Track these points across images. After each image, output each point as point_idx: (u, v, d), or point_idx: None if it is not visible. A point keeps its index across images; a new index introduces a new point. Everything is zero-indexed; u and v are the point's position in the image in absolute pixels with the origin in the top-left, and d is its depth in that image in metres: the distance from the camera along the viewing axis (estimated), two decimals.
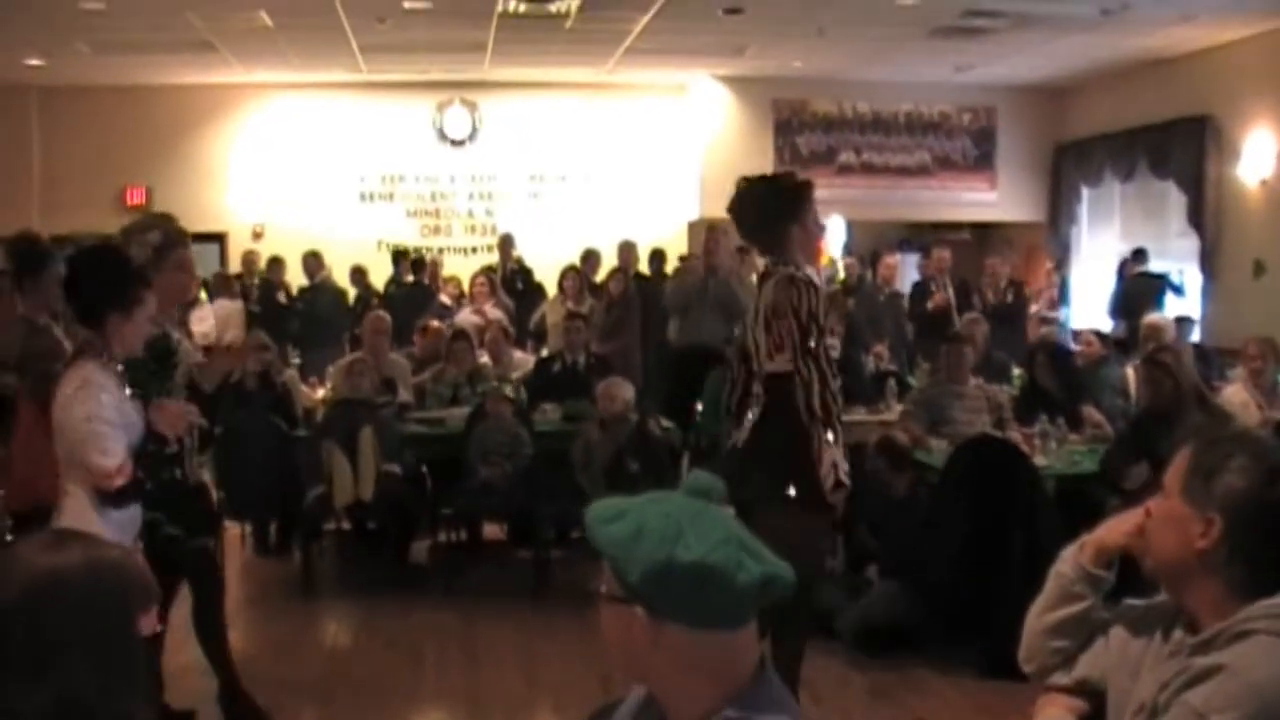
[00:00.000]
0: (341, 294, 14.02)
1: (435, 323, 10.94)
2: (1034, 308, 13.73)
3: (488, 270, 13.65)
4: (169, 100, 15.94)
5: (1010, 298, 13.17)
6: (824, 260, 15.85)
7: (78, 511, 4.45)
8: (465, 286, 13.60)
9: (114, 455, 4.49)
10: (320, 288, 13.83)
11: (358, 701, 6.26)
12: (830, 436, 5.13)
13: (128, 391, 4.71)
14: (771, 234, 5.40)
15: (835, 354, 5.33)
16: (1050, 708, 2.64)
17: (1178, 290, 13.81)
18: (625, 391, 8.38)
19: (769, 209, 5.39)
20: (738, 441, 5.41)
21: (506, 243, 14.34)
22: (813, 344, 5.16)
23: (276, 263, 14.23)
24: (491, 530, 9.43)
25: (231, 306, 12.84)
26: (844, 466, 5.15)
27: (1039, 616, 2.67)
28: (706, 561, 1.92)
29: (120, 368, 4.71)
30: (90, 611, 1.96)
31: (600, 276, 12.96)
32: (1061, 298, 14.64)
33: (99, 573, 2.00)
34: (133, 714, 2.00)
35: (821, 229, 5.77)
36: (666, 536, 1.94)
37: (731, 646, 2.00)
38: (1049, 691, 2.67)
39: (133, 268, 4.93)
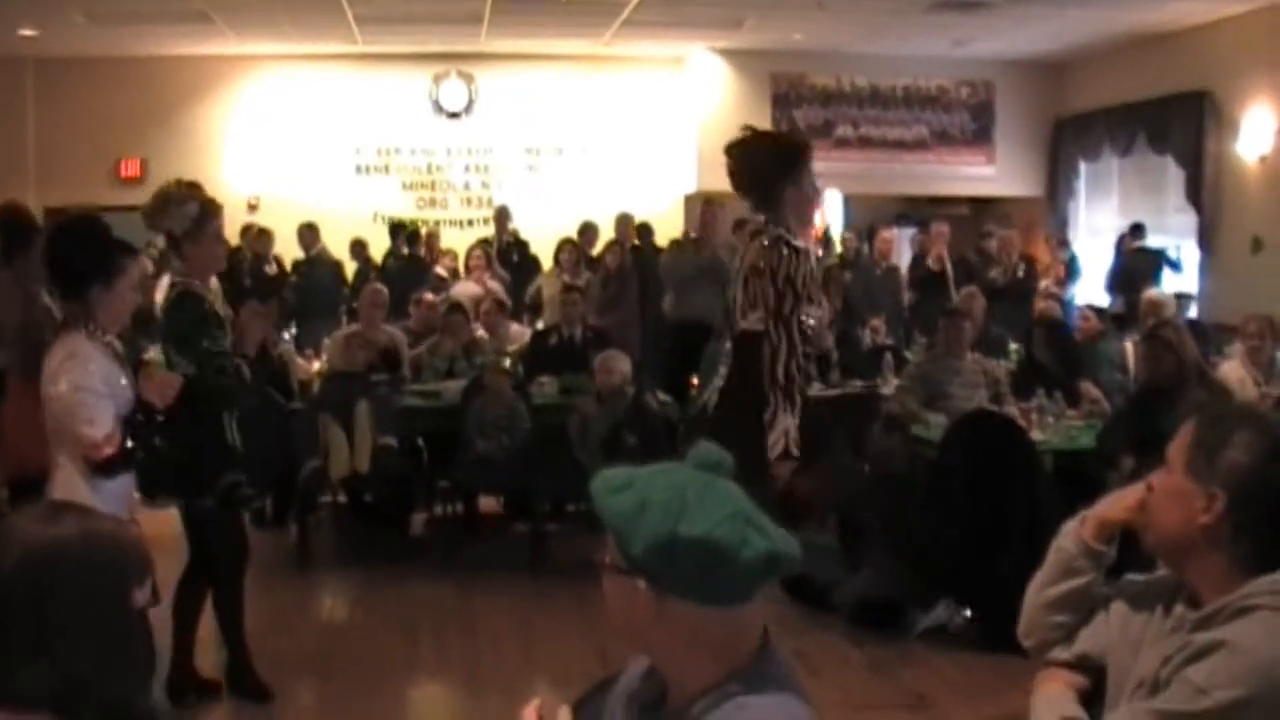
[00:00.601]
0: (337, 267, 13.97)
1: (430, 295, 10.91)
2: (1043, 283, 13.70)
3: (484, 243, 13.62)
4: (164, 72, 15.84)
5: (1021, 273, 13.16)
6: (820, 232, 15.89)
7: (68, 483, 4.46)
8: (461, 259, 13.56)
9: (101, 425, 4.50)
10: (316, 260, 13.79)
11: (354, 675, 6.26)
12: (787, 405, 5.10)
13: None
14: (766, 192, 5.36)
15: (811, 323, 5.24)
16: (1050, 682, 2.64)
17: (1175, 266, 13.79)
18: (622, 365, 8.37)
19: (766, 166, 5.35)
20: (707, 404, 5.39)
21: (502, 215, 14.31)
22: (787, 309, 5.13)
23: (264, 235, 14.18)
24: (488, 504, 9.42)
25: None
26: (795, 438, 5.10)
27: (1039, 591, 2.66)
28: (711, 537, 1.91)
29: (108, 338, 4.73)
30: (86, 585, 1.95)
31: (597, 249, 12.94)
32: (1069, 274, 14.61)
33: (95, 545, 1.98)
34: (127, 687, 1.99)
35: (818, 193, 5.72)
36: (671, 510, 1.93)
37: (735, 622, 1.99)
38: (1048, 666, 2.66)
39: (114, 238, 4.94)
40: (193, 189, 5.55)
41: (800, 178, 5.36)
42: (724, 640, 1.98)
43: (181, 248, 5.50)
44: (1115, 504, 2.59)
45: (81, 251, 4.81)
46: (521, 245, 14.08)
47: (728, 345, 5.37)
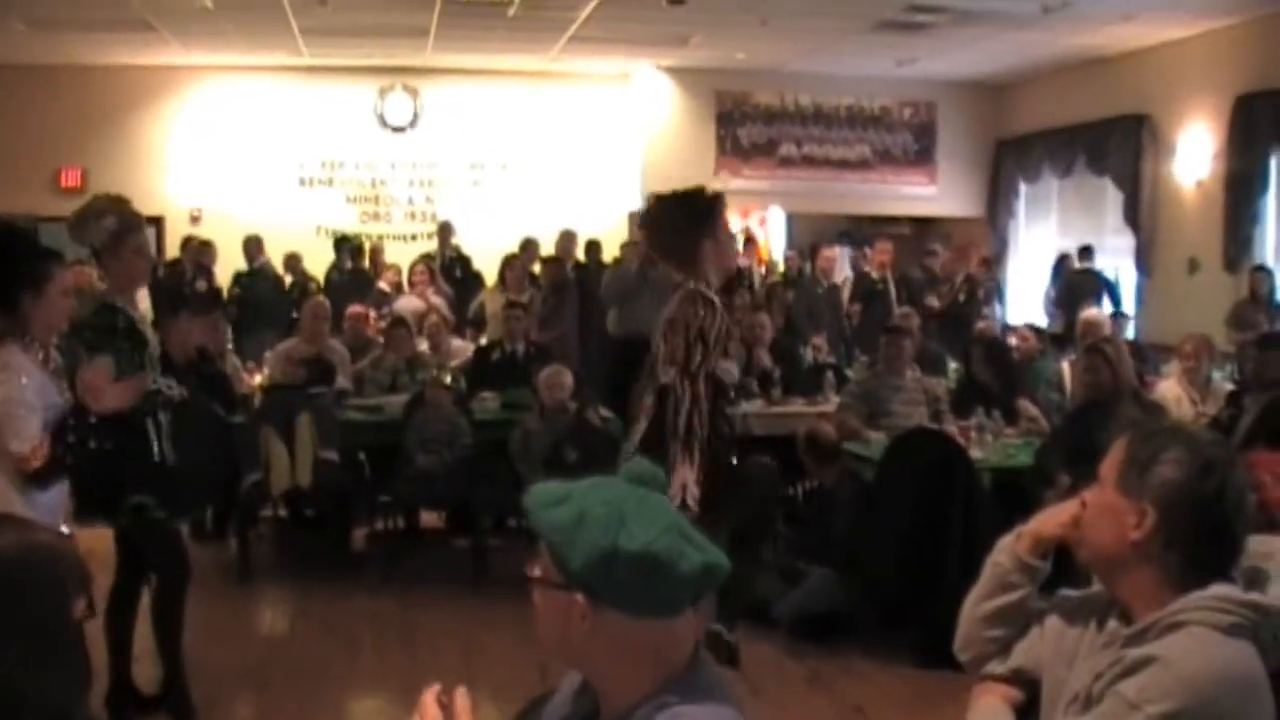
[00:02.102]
0: (281, 280, 13.92)
1: (357, 308, 10.86)
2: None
3: (426, 258, 13.59)
4: (106, 80, 15.73)
5: (963, 297, 13.24)
6: (763, 253, 15.99)
7: (1, 497, 4.41)
8: (405, 274, 13.52)
9: (28, 438, 4.48)
10: (260, 273, 13.73)
11: (294, 688, 6.22)
12: (686, 457, 5.16)
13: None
14: (685, 252, 5.44)
15: (730, 378, 5.46)
16: (985, 696, 2.66)
17: (1111, 288, 13.92)
18: (566, 380, 8.37)
19: (681, 225, 5.44)
20: (629, 454, 5.39)
21: (445, 230, 14.30)
22: (695, 364, 5.21)
23: (206, 246, 14.09)
24: (429, 518, 9.40)
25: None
26: (694, 492, 5.14)
27: (975, 605, 2.68)
28: (650, 550, 1.92)
29: (42, 350, 4.68)
30: (22, 598, 1.94)
31: (538, 265, 12.94)
32: (997, 295, 14.78)
33: (31, 558, 1.98)
34: (65, 699, 1.98)
35: (732, 239, 5.83)
36: (611, 524, 1.94)
37: (670, 633, 2.00)
38: (984, 680, 2.68)
39: (39, 246, 4.91)
40: (116, 203, 5.50)
41: (716, 230, 5.49)
42: (659, 651, 1.99)
43: (102, 261, 5.46)
44: (1050, 519, 2.61)
45: (8, 261, 4.76)
46: (464, 260, 14.06)
47: (649, 398, 5.41)
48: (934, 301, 13.19)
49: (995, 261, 16.24)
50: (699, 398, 5.19)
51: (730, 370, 5.44)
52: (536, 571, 2.02)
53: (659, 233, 5.55)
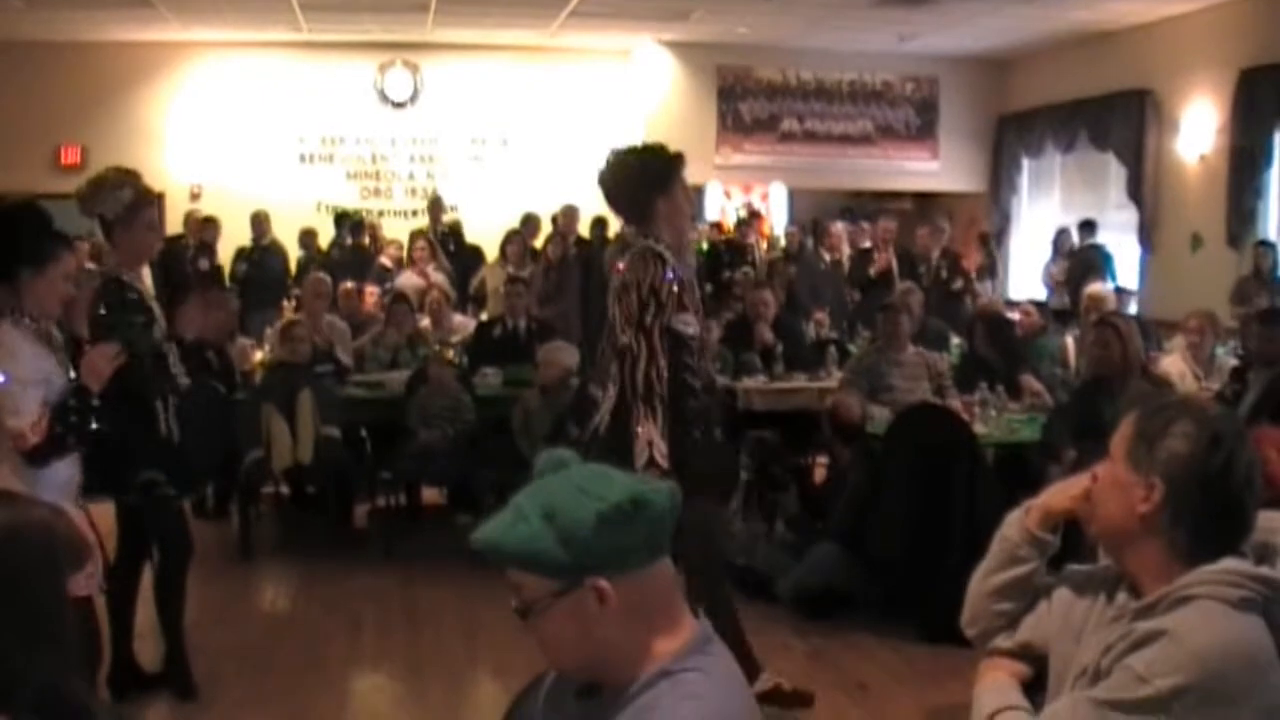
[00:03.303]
0: (287, 257, 13.87)
1: (348, 285, 10.83)
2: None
3: (420, 233, 13.56)
4: (105, 57, 15.67)
5: (945, 273, 13.16)
6: (765, 231, 15.96)
7: (3, 474, 4.40)
8: (406, 250, 13.50)
9: (25, 415, 4.46)
10: (267, 249, 13.69)
11: (295, 665, 6.23)
12: (648, 414, 5.08)
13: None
14: (636, 206, 5.39)
15: (691, 331, 5.29)
16: (993, 671, 2.65)
17: (1108, 263, 13.86)
18: (567, 357, 8.36)
19: (635, 181, 5.36)
20: (600, 424, 5.34)
21: (436, 205, 14.27)
22: (648, 319, 5.14)
23: (210, 223, 14.08)
24: (431, 495, 9.39)
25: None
26: (661, 448, 5.05)
27: (983, 579, 2.68)
28: (626, 498, 1.93)
29: (40, 325, 4.67)
30: (13, 573, 1.92)
31: (540, 241, 12.92)
32: (990, 270, 14.77)
33: (23, 533, 1.96)
34: (59, 676, 1.97)
35: (691, 202, 5.75)
36: (578, 501, 1.94)
37: (663, 579, 2.02)
38: (991, 655, 2.68)
39: (51, 226, 4.88)
40: (129, 176, 5.49)
41: (672, 189, 5.37)
42: (660, 602, 2.01)
43: (113, 233, 5.43)
44: (1060, 493, 2.61)
45: (15, 236, 4.75)
46: (457, 235, 14.02)
47: (613, 365, 5.32)
48: (921, 276, 13.09)
49: (994, 237, 16.21)
50: (655, 353, 5.12)
51: (689, 323, 5.28)
52: (523, 599, 1.99)
53: (613, 187, 5.42)
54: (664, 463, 5.02)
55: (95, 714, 2.02)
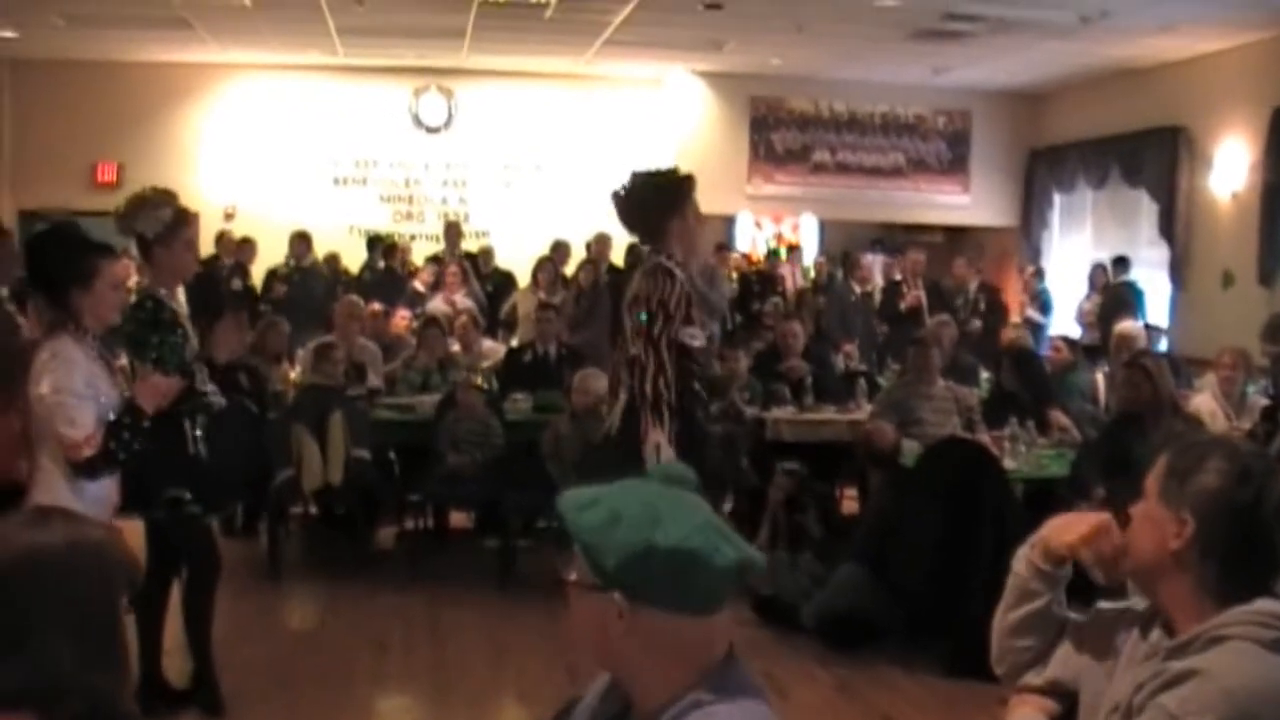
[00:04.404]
0: (329, 278, 13.91)
1: (375, 307, 10.89)
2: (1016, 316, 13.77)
3: (438, 258, 13.63)
4: (143, 77, 15.83)
5: (983, 306, 13.15)
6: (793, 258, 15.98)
7: (50, 486, 4.47)
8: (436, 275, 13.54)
9: (81, 426, 4.53)
10: (309, 271, 13.73)
11: (321, 685, 6.24)
12: (656, 420, 5.39)
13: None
14: (651, 225, 5.70)
15: (698, 343, 5.69)
16: (1022, 707, 2.66)
17: (1140, 300, 13.78)
18: (600, 384, 8.36)
19: (651, 202, 5.66)
20: (611, 427, 5.62)
21: (452, 230, 14.31)
22: (656, 331, 5.45)
23: (246, 243, 14.18)
24: (458, 519, 9.42)
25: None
26: (668, 452, 5.33)
27: (1002, 616, 2.70)
28: (685, 546, 1.93)
29: (89, 337, 4.73)
30: (69, 591, 1.95)
31: (570, 267, 12.97)
32: (1043, 307, 14.76)
33: (80, 552, 1.99)
34: (109, 693, 1.99)
35: (702, 220, 6.05)
36: (644, 522, 1.95)
37: (706, 630, 2.01)
38: (1020, 692, 2.68)
39: (87, 240, 4.96)
40: (168, 195, 5.55)
41: (684, 210, 5.69)
42: (694, 649, 2.00)
43: (151, 252, 5.47)
44: (1062, 531, 2.60)
45: (58, 256, 4.84)
46: (473, 260, 14.03)
47: (624, 374, 5.65)
48: (959, 309, 13.07)
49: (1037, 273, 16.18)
50: (664, 363, 5.43)
51: (696, 335, 5.63)
52: (573, 576, 2.02)
53: (629, 207, 5.72)
54: None
55: None
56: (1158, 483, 2.45)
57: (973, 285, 13.41)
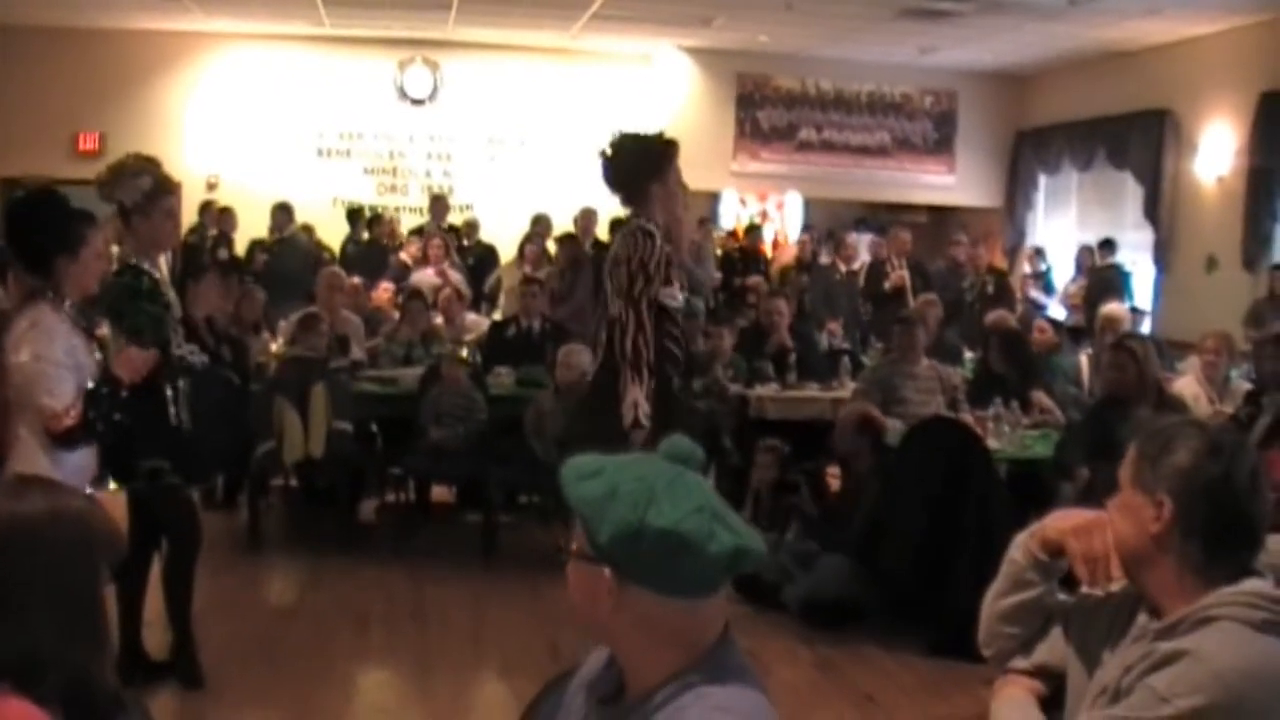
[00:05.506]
0: (310, 250, 13.85)
1: (355, 280, 10.83)
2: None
3: (422, 230, 13.59)
4: (126, 45, 15.69)
5: (992, 288, 13.15)
6: (780, 241, 16.00)
7: (28, 455, 4.43)
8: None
9: (61, 396, 4.49)
10: (289, 242, 13.66)
11: (302, 658, 6.23)
12: (635, 378, 5.48)
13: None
14: (633, 188, 5.77)
15: (676, 304, 5.76)
16: (1009, 688, 2.66)
17: (1126, 283, 13.82)
18: (582, 359, 8.34)
19: (634, 165, 5.76)
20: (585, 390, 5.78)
21: (438, 203, 14.28)
22: (636, 290, 5.53)
23: (227, 213, 14.11)
24: (440, 492, 9.40)
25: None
26: (644, 408, 5.45)
27: (994, 602, 2.70)
28: (678, 529, 1.92)
29: (68, 305, 4.69)
30: (50, 562, 1.93)
31: (550, 242, 12.94)
32: (1045, 288, 14.83)
33: (61, 523, 1.97)
34: (89, 664, 1.97)
35: (685, 188, 6.10)
36: (640, 500, 1.93)
37: (697, 615, 2.00)
38: (1008, 674, 2.68)
39: (72, 208, 4.91)
40: (151, 163, 5.51)
41: (667, 175, 5.78)
42: (685, 632, 1.99)
43: (131, 221, 5.44)
44: (1057, 522, 2.61)
45: (44, 224, 4.78)
46: (456, 233, 13.98)
47: (602, 333, 5.77)
48: (966, 290, 13.05)
49: (1007, 253, 16.23)
50: (643, 323, 5.51)
51: (675, 296, 5.72)
52: (574, 545, 2.02)
53: (612, 168, 5.81)
54: (646, 422, 5.44)
55: (125, 704, 2.02)
56: (1131, 470, 2.47)
57: (981, 267, 13.44)
